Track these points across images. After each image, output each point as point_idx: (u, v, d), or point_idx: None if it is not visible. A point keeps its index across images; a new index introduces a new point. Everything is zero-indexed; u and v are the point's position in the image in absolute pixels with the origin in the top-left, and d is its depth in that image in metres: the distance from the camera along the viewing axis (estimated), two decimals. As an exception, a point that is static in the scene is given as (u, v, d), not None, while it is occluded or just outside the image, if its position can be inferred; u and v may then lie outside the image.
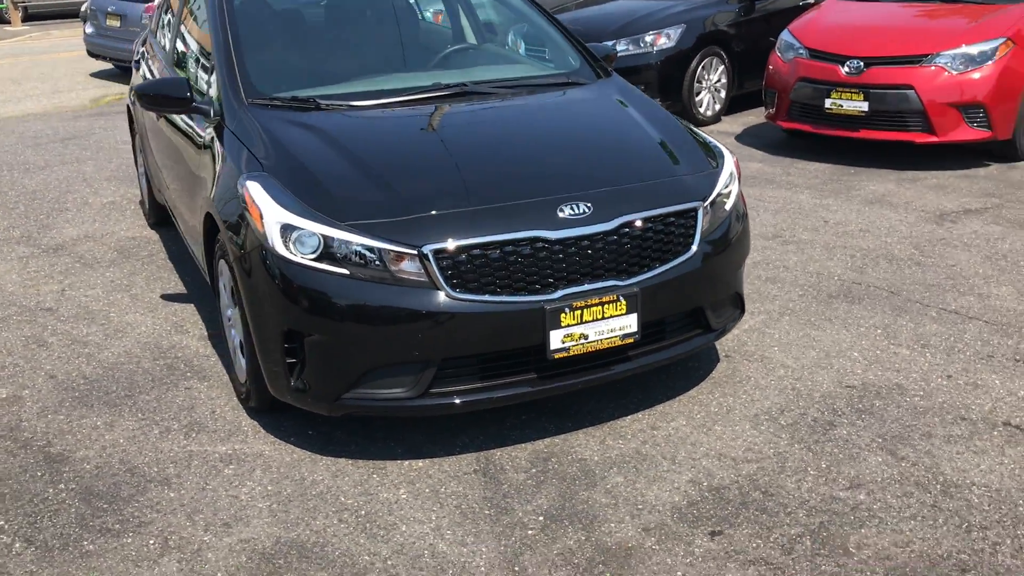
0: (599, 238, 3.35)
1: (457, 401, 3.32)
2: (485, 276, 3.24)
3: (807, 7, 9.76)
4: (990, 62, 6.95)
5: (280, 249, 3.30)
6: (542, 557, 2.94)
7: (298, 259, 3.28)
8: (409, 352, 3.22)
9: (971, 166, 7.22)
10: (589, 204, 3.37)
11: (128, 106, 6.35)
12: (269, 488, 3.36)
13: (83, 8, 20.74)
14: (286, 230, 3.31)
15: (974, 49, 6.98)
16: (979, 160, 7.34)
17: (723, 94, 9.15)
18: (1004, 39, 7.01)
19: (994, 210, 6.18)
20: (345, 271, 3.24)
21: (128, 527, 3.16)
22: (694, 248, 3.55)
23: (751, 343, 4.34)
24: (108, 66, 14.68)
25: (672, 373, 4.05)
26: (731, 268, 3.73)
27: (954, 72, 6.95)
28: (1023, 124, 7.20)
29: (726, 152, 3.97)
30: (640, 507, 3.17)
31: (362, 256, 3.24)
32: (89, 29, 14.29)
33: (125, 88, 13.05)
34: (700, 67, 8.85)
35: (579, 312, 3.29)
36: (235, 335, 3.89)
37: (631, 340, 3.43)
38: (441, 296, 3.20)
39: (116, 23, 13.76)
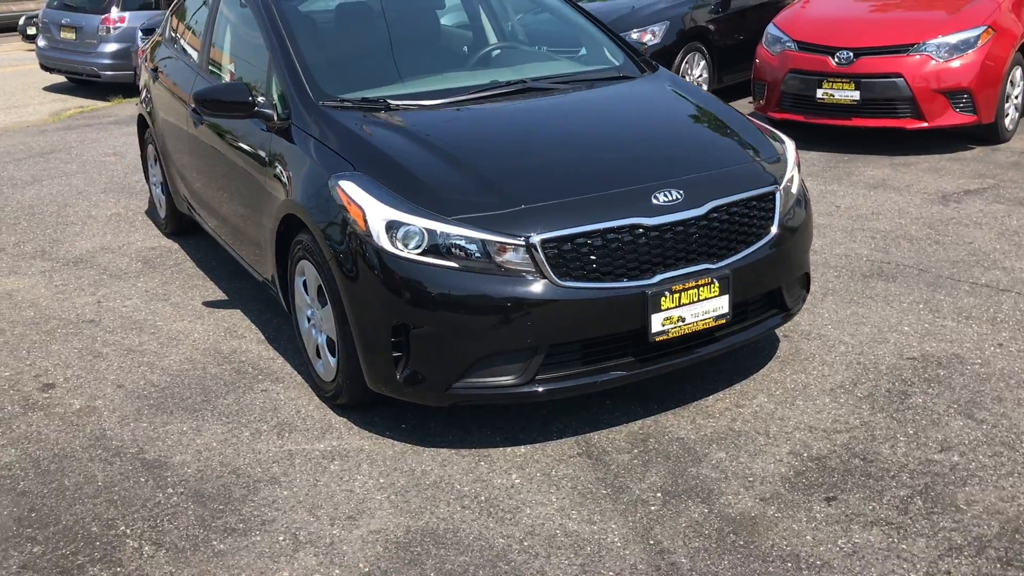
0: (692, 223, 3.47)
1: (564, 386, 3.41)
2: (588, 263, 3.34)
3: (779, 3, 10.07)
4: (973, 49, 7.26)
5: (387, 245, 3.35)
6: (672, 530, 3.05)
7: (406, 254, 3.34)
8: (521, 339, 3.31)
9: (957, 149, 7.52)
10: (681, 191, 3.49)
11: (142, 115, 6.29)
12: (381, 481, 3.41)
13: (20, 21, 20.32)
14: (392, 226, 3.36)
15: (958, 37, 7.28)
16: (963, 144, 7.65)
17: (705, 88, 9.36)
18: (985, 27, 7.33)
19: (992, 190, 6.46)
20: (453, 264, 3.31)
21: (252, 525, 3.19)
22: (774, 230, 3.70)
23: (804, 323, 4.50)
24: (60, 79, 14.43)
25: (740, 353, 4.19)
26: (802, 249, 3.88)
27: (940, 60, 7.25)
28: (1003, 108, 7.54)
29: (786, 138, 4.13)
30: (751, 479, 3.30)
31: (467, 249, 3.31)
32: (42, 42, 14.02)
33: (84, 101, 12.85)
34: (684, 62, 9.05)
35: (678, 295, 3.41)
36: (316, 334, 3.92)
37: (723, 321, 3.56)
38: (549, 284, 3.29)
39: (71, 36, 13.53)
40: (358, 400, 3.78)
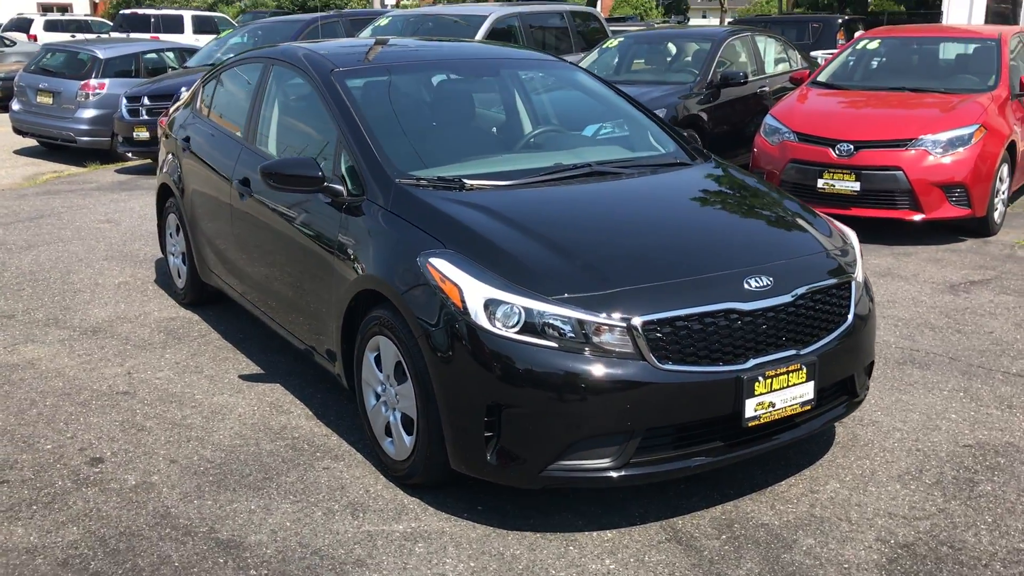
0: (781, 309, 3.54)
1: (656, 470, 3.41)
2: (686, 346, 3.37)
3: (763, 94, 10.43)
4: (967, 146, 7.58)
5: (485, 323, 3.35)
6: (782, 618, 3.04)
7: (504, 332, 3.34)
8: (621, 422, 3.31)
9: (950, 241, 7.79)
10: (770, 277, 3.56)
11: (166, 185, 6.21)
12: (472, 564, 3.34)
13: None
14: (490, 304, 3.37)
15: (953, 134, 7.60)
16: (955, 236, 7.92)
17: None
18: (978, 125, 7.67)
19: (995, 281, 6.69)
20: (553, 344, 3.31)
21: (349, 610, 3.10)
22: (850, 318, 3.78)
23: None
24: (29, 143, 14.25)
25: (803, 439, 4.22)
26: (871, 337, 3.97)
27: (937, 155, 7.54)
28: (993, 202, 7.85)
29: (849, 230, 4.25)
30: (846, 566, 3.31)
31: (564, 329, 3.33)
32: (16, 106, 13.86)
33: (57, 166, 12.72)
34: (679, 149, 9.26)
35: (770, 380, 3.46)
36: (387, 412, 3.87)
37: (809, 407, 3.60)
38: (648, 366, 3.31)
39: (48, 100, 13.40)
40: (434, 480, 3.73)
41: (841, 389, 3.90)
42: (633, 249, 3.68)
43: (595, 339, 3.32)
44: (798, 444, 4.17)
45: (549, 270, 3.47)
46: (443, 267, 3.51)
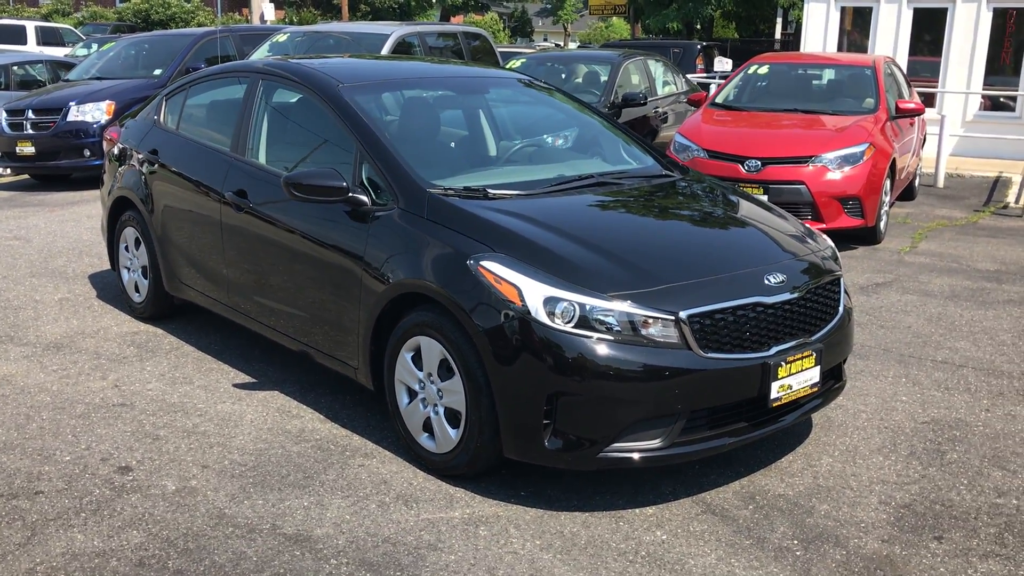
0: (794, 302, 3.98)
1: (697, 448, 3.78)
2: (723, 336, 3.76)
3: (656, 114, 11.09)
4: (860, 162, 8.37)
5: (545, 320, 3.64)
6: (827, 571, 3.45)
7: (563, 327, 3.63)
8: (671, 406, 3.66)
9: (845, 249, 8.57)
10: (784, 273, 4.00)
11: (126, 198, 6.14)
12: (538, 543, 3.61)
13: None
14: (548, 302, 3.66)
15: (847, 152, 8.39)
16: (847, 244, 8.71)
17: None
18: (868, 144, 8.48)
19: (896, 283, 7.45)
20: (608, 336, 3.63)
21: (443, 588, 3.30)
22: (841, 310, 4.28)
23: (819, 395, 5.08)
24: None
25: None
26: (852, 327, 4.48)
27: (834, 170, 8.30)
28: (881, 212, 8.69)
29: (826, 236, 4.76)
30: (864, 525, 3.77)
31: (614, 323, 3.65)
32: None
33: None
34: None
35: (789, 365, 3.89)
36: (425, 408, 4.08)
37: (815, 389, 4.06)
38: (694, 355, 3.68)
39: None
40: (480, 470, 3.97)
41: (830, 375, 4.38)
42: (665, 250, 4.05)
43: (643, 331, 3.67)
44: (790, 426, 4.63)
45: (597, 270, 3.79)
46: (497, 269, 3.77)
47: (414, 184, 4.25)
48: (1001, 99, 14.93)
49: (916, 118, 10.37)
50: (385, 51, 11.04)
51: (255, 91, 5.22)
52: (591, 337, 3.63)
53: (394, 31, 11.51)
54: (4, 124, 11.65)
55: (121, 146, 6.27)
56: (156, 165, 5.80)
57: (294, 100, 5.09)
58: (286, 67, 5.15)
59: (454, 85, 5.45)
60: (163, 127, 5.95)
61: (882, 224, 8.83)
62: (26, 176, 12.45)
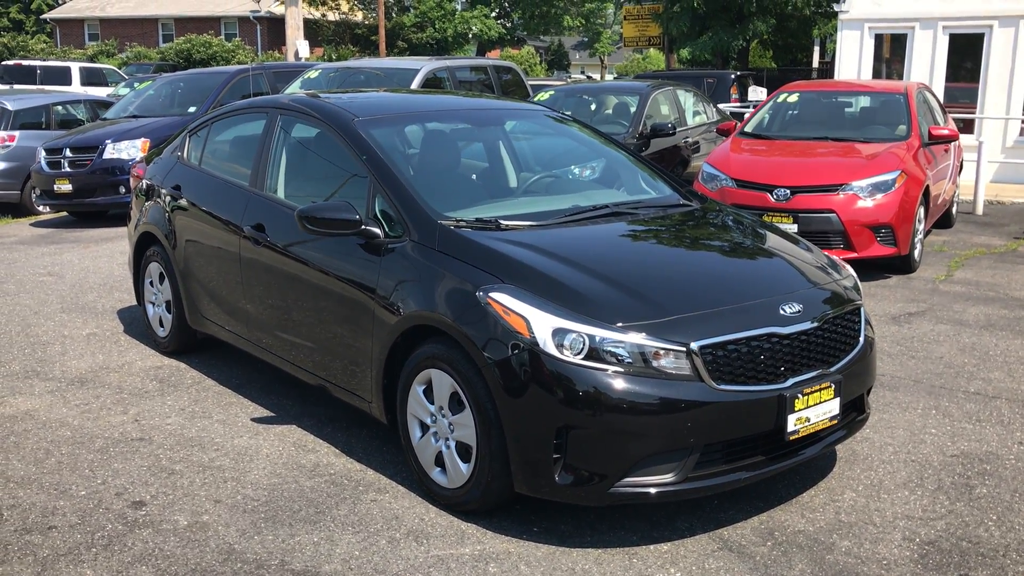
0: (811, 332, 3.90)
1: (713, 483, 3.69)
2: (736, 368, 3.68)
3: (685, 144, 11.03)
4: (892, 190, 8.24)
5: (553, 351, 3.59)
6: (846, 610, 3.34)
7: (572, 359, 3.58)
8: (684, 439, 3.58)
9: (878, 278, 8.42)
10: (800, 304, 3.92)
11: (151, 233, 6.20)
12: (548, 580, 3.54)
13: None
14: (557, 334, 3.61)
15: (878, 179, 8.26)
16: (881, 273, 8.57)
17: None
18: (899, 171, 8.36)
19: (929, 312, 7.29)
20: (618, 368, 3.57)
21: (447, 627, 3.24)
22: (861, 340, 4.18)
23: (844, 427, 4.96)
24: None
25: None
26: (874, 358, 4.37)
27: (865, 198, 8.18)
28: (914, 241, 8.54)
29: (848, 265, 4.67)
30: (886, 563, 3.65)
31: (624, 355, 3.59)
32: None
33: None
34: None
35: (806, 398, 3.80)
36: (437, 442, 4.04)
37: (835, 422, 3.96)
38: (706, 387, 3.61)
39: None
40: (491, 505, 3.91)
41: (851, 407, 4.27)
42: (676, 280, 3.99)
43: (654, 363, 3.60)
44: (810, 460, 4.52)
45: (607, 300, 3.74)
46: (506, 300, 3.73)
47: (425, 216, 4.24)
48: (1042, 124, 14.67)
49: (952, 145, 10.22)
50: (415, 85, 11.12)
51: (274, 126, 5.27)
52: (601, 369, 3.57)
53: (423, 66, 11.60)
54: (43, 163, 11.89)
55: (147, 182, 6.35)
56: (179, 200, 5.86)
57: (312, 134, 5.12)
58: (303, 101, 5.19)
59: (471, 118, 5.45)
60: (186, 163, 6.02)
61: (916, 252, 8.67)
62: (64, 213, 12.68)
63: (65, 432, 4.97)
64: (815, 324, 3.91)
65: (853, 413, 4.29)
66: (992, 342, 6.50)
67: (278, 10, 40.71)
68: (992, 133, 14.38)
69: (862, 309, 4.25)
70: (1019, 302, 7.62)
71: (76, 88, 25.08)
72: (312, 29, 39.79)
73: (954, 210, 11.22)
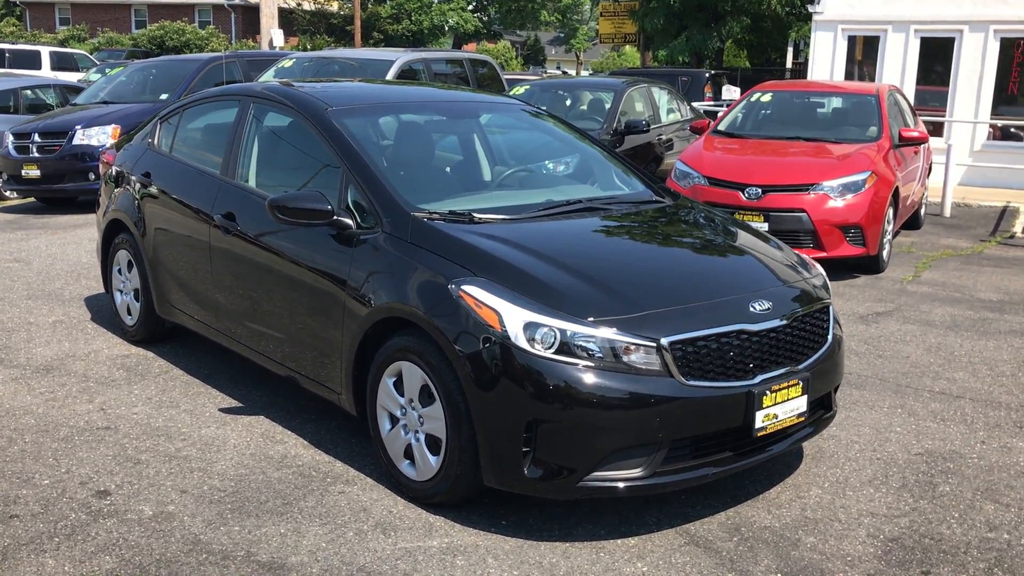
0: (781, 330, 3.92)
1: (680, 478, 3.71)
2: (706, 364, 3.70)
3: (659, 141, 11.06)
4: (862, 191, 8.32)
5: (524, 345, 3.59)
6: (809, 605, 3.37)
7: (542, 353, 3.58)
8: (653, 434, 3.59)
9: (847, 278, 8.49)
10: (769, 301, 3.94)
11: (119, 220, 6.13)
12: (516, 573, 3.54)
13: None
14: (529, 327, 3.61)
15: (848, 180, 8.33)
16: (850, 273, 8.64)
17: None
18: (870, 172, 8.43)
19: (897, 312, 7.37)
20: (588, 363, 3.58)
21: (413, 619, 3.24)
22: (830, 338, 4.21)
23: (811, 425, 5.00)
24: None
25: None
26: (842, 357, 4.41)
27: (836, 198, 8.24)
28: (883, 241, 8.62)
29: (817, 263, 4.71)
30: (850, 559, 3.68)
31: (595, 349, 3.60)
32: None
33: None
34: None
35: (774, 394, 3.82)
36: (407, 435, 4.03)
37: (802, 419, 3.99)
38: (676, 382, 3.62)
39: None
40: (459, 498, 3.90)
41: (819, 404, 4.30)
42: (648, 276, 4.00)
43: (624, 358, 3.61)
44: (777, 456, 4.55)
45: (578, 295, 3.74)
46: (478, 293, 3.73)
47: (398, 207, 4.23)
48: (1012, 129, 14.85)
49: (922, 147, 10.33)
50: (390, 77, 11.07)
51: (246, 114, 5.22)
52: (571, 363, 3.57)
53: (399, 57, 11.56)
54: (10, 147, 11.72)
55: (117, 169, 6.28)
56: (148, 188, 5.80)
57: (284, 123, 5.08)
58: (276, 90, 5.15)
59: (446, 110, 5.44)
60: (157, 150, 5.96)
61: (885, 253, 8.76)
62: (31, 199, 12.52)
63: (29, 420, 4.91)
64: (784, 322, 3.94)
65: (820, 411, 4.32)
66: (957, 342, 6.58)
67: (253, -2, 40.40)
68: (961, 136, 14.54)
69: (831, 308, 4.29)
70: (984, 303, 7.72)
71: (46, 73, 24.73)
72: (287, 18, 39.53)
73: (922, 212, 11.34)
